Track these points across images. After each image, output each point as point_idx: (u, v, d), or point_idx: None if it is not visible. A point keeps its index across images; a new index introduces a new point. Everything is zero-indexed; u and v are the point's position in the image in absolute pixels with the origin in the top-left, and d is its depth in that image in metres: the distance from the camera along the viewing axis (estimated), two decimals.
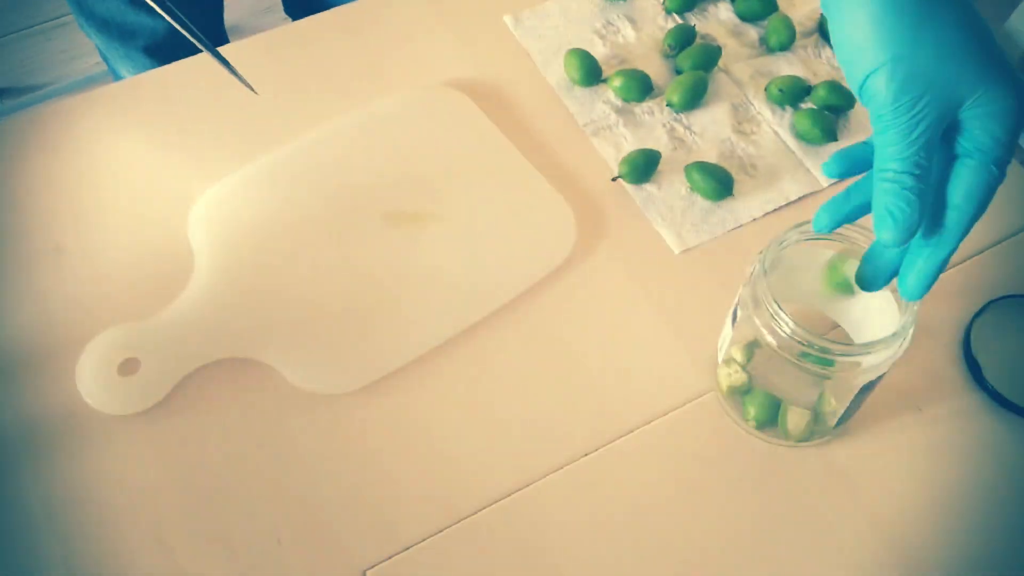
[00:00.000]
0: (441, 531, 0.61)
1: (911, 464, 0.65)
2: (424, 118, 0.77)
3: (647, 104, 0.80)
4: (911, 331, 0.57)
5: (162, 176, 0.74)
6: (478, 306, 0.69)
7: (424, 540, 0.61)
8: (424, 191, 0.73)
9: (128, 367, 0.64)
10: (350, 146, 0.75)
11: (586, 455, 0.64)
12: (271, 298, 0.68)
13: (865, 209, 0.53)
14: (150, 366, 0.64)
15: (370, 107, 0.78)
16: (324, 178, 0.74)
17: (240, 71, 0.67)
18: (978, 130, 0.49)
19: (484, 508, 0.62)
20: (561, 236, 0.73)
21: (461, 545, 0.61)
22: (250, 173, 0.73)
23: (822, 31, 0.85)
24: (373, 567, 0.60)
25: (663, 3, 0.86)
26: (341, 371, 0.66)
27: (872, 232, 0.54)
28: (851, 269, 0.58)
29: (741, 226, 0.74)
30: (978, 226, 0.74)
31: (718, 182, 0.74)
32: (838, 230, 0.61)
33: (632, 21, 0.85)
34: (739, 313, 0.61)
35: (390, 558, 0.60)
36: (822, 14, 0.85)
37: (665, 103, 0.80)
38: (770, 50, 0.84)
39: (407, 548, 0.60)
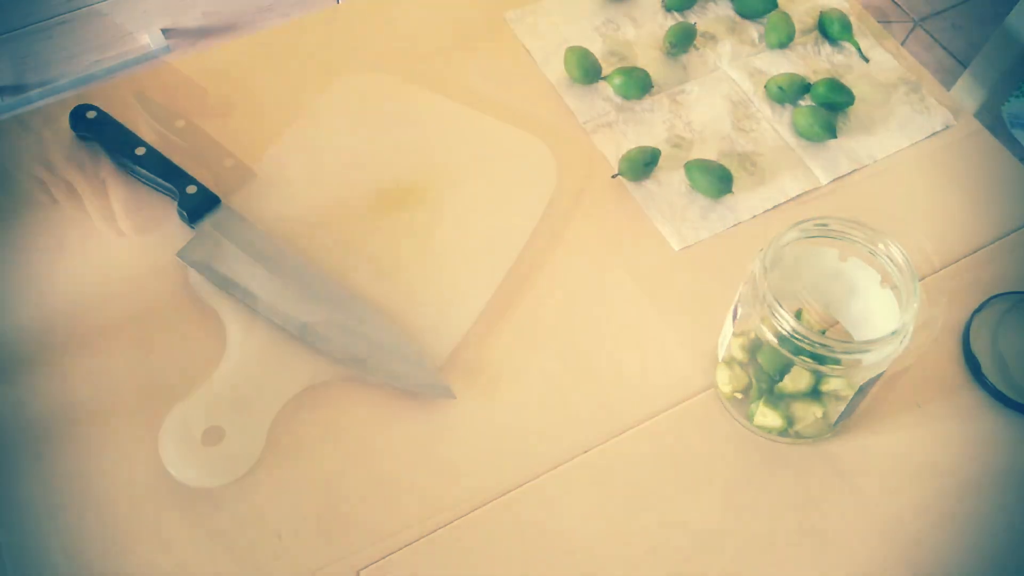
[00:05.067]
0: (441, 527, 0.61)
1: (910, 460, 0.65)
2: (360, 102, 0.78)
3: (647, 101, 0.80)
4: (911, 329, 0.58)
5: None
6: (497, 265, 0.71)
7: (425, 536, 0.61)
8: (412, 170, 0.74)
9: (212, 436, 0.62)
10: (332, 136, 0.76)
11: (585, 452, 0.64)
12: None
13: None
14: (234, 430, 0.62)
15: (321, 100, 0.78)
16: (323, 171, 0.74)
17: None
18: None
19: (484, 505, 0.62)
20: (541, 178, 0.75)
21: (461, 541, 0.61)
22: (249, 191, 0.73)
23: (821, 28, 0.85)
24: (370, 565, 0.60)
25: (663, 1, 0.86)
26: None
27: (869, 229, 0.54)
28: None
29: (740, 223, 0.74)
30: (978, 223, 0.75)
31: (718, 179, 0.74)
32: (837, 228, 0.61)
33: (632, 19, 0.85)
34: (739, 310, 0.62)
35: (388, 556, 0.60)
36: (821, 11, 0.85)
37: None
38: (770, 47, 0.84)
39: (408, 544, 0.61)
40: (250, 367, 0.65)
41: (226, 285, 0.68)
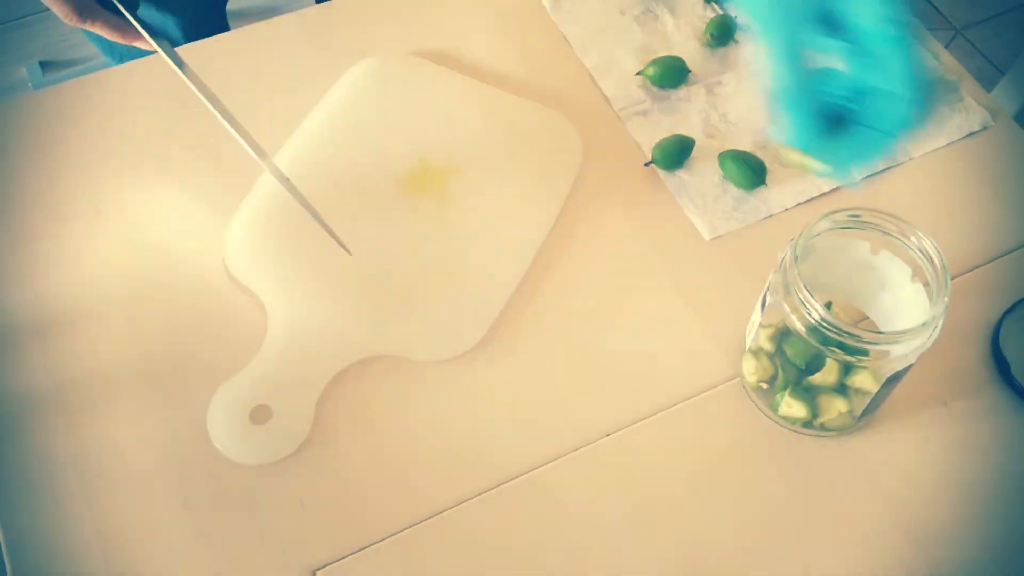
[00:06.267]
0: (458, 505, 0.62)
1: (934, 458, 0.64)
2: (398, 86, 0.78)
3: (683, 91, 0.80)
4: (941, 322, 0.57)
5: (198, 142, 0.75)
6: (525, 248, 0.71)
7: (441, 512, 0.61)
8: (438, 152, 0.74)
9: (260, 415, 0.63)
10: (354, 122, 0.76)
11: (607, 436, 0.64)
12: (348, 297, 0.68)
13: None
14: (282, 408, 0.63)
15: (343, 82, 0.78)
16: (347, 156, 0.74)
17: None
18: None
19: (504, 483, 0.62)
20: (567, 154, 0.76)
21: (479, 518, 0.61)
22: (270, 183, 0.72)
23: None
24: (393, 535, 0.60)
25: None
26: (453, 334, 0.67)
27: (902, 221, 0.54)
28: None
29: (773, 215, 0.74)
30: (1010, 224, 0.75)
31: (752, 170, 0.74)
32: (868, 219, 0.61)
33: (671, 9, 0.85)
34: (768, 299, 0.61)
35: (415, 525, 0.61)
36: None
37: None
38: None
39: (427, 518, 0.61)
40: (292, 348, 0.65)
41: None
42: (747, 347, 0.65)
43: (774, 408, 0.65)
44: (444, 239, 0.71)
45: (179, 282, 0.69)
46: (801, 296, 0.58)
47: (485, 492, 0.62)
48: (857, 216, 0.61)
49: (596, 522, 0.61)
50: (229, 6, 1.08)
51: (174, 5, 0.99)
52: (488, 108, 0.77)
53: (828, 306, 0.64)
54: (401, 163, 0.73)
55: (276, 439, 0.62)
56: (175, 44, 0.79)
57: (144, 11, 0.98)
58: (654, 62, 0.80)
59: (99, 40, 1.01)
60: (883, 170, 0.77)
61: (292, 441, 0.62)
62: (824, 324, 0.57)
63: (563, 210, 0.73)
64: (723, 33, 0.82)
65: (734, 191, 0.75)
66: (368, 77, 0.78)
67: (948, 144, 0.79)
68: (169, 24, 1.00)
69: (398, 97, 0.77)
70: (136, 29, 0.64)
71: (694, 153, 0.76)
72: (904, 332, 0.56)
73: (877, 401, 0.62)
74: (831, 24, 0.50)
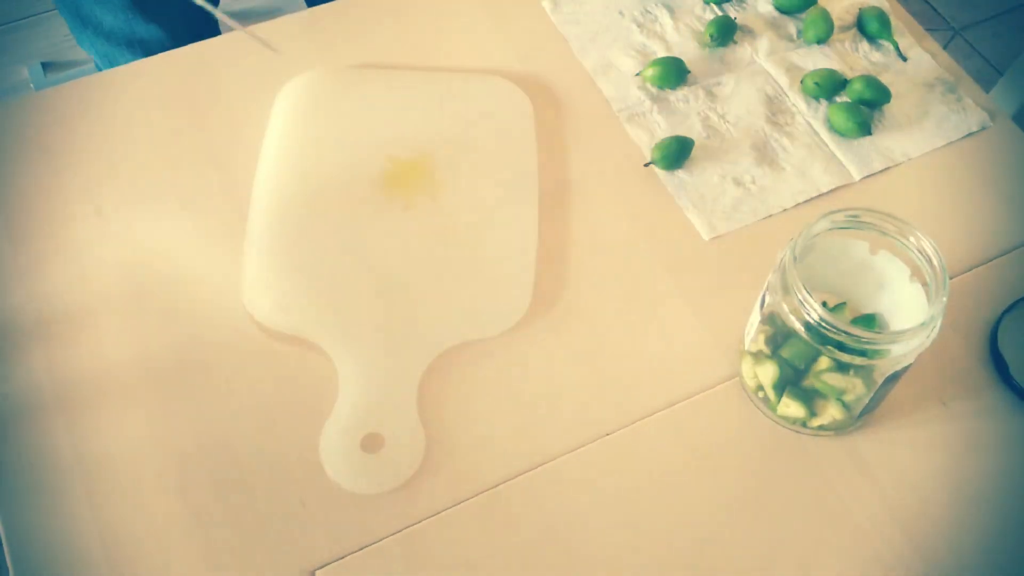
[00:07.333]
0: (458, 505, 0.62)
1: (932, 457, 0.64)
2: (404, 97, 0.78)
3: (682, 91, 0.80)
4: (939, 322, 0.58)
5: (197, 143, 0.75)
6: (525, 206, 0.72)
7: (441, 512, 0.61)
8: (404, 146, 0.74)
9: (371, 444, 0.63)
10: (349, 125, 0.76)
11: (606, 435, 0.65)
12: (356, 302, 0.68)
13: None
14: (390, 432, 0.63)
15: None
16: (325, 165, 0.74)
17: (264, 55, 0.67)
18: None
19: (503, 483, 0.63)
20: (518, 107, 0.78)
21: (479, 517, 0.61)
22: (277, 188, 0.72)
23: (860, 26, 0.85)
24: (394, 534, 0.61)
25: None
26: (493, 313, 0.68)
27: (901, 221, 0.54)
28: None
29: (772, 216, 0.74)
30: (1008, 224, 0.75)
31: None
32: (867, 219, 0.61)
33: (670, 10, 0.85)
34: (767, 299, 0.62)
35: (414, 525, 0.61)
36: (861, 9, 0.85)
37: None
38: (807, 43, 0.84)
39: (427, 518, 0.61)
40: (369, 374, 0.65)
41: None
42: (746, 347, 0.66)
43: (773, 408, 0.65)
44: (447, 228, 0.71)
45: (178, 281, 0.69)
46: (800, 296, 0.58)
47: (484, 492, 0.62)
48: (856, 216, 0.61)
49: (595, 521, 0.62)
50: (230, 8, 1.09)
51: (161, 15, 0.99)
52: (436, 91, 0.78)
53: (826, 305, 0.64)
54: (372, 165, 0.73)
55: (390, 463, 0.62)
56: (164, 50, 0.80)
57: (133, 22, 0.98)
58: (653, 63, 0.80)
59: (92, 47, 1.01)
60: (882, 170, 0.77)
61: (410, 462, 0.62)
62: (823, 324, 0.57)
63: (559, 201, 0.74)
64: (722, 34, 0.83)
65: (733, 191, 0.75)
66: (307, 92, 0.77)
67: (947, 144, 0.79)
68: (155, 33, 1.00)
69: (345, 105, 0.76)
70: None
71: (694, 153, 0.77)
72: (903, 332, 0.56)
73: (876, 400, 0.62)
74: None
